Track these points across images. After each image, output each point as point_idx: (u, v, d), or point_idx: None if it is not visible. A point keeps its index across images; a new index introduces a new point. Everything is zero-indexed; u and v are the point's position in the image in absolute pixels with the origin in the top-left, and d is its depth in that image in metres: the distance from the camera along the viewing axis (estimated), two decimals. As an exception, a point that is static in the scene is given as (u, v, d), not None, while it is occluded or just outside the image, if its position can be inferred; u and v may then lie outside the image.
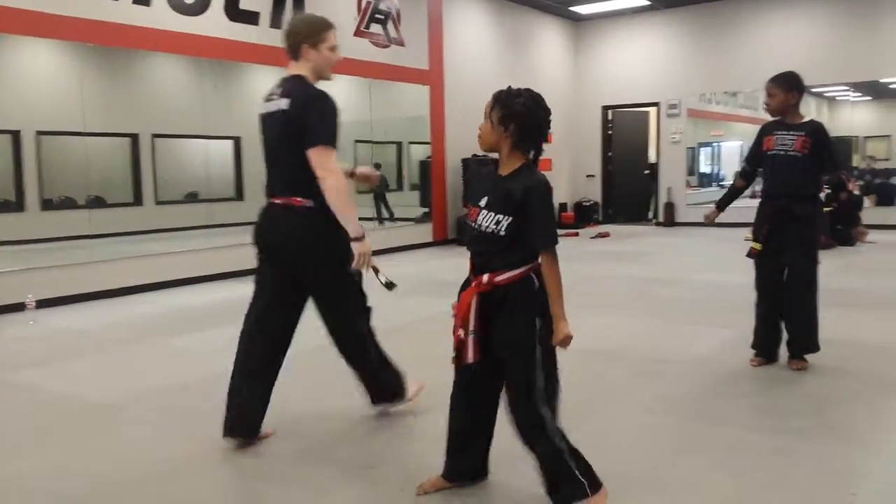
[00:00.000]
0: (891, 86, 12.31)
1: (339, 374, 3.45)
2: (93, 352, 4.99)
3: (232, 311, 4.64)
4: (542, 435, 2.36)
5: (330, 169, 2.94)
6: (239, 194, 9.99)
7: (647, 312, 5.83)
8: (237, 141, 9.74)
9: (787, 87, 4.14)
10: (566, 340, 2.30)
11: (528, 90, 2.41)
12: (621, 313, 5.82)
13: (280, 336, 3.14)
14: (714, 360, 4.36)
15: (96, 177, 8.12)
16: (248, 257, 3.24)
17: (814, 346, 4.12)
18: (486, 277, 2.35)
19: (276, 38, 8.18)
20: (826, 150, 4.10)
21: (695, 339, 4.84)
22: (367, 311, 3.31)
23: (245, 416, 3.09)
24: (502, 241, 2.32)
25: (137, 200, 9.27)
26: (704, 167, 16.51)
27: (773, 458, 2.87)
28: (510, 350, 2.36)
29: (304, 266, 3.09)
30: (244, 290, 4.71)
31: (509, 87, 2.41)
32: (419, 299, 6.59)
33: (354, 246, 2.97)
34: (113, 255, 7.34)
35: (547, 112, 2.41)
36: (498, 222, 2.32)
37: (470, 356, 2.37)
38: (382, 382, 3.40)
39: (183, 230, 8.97)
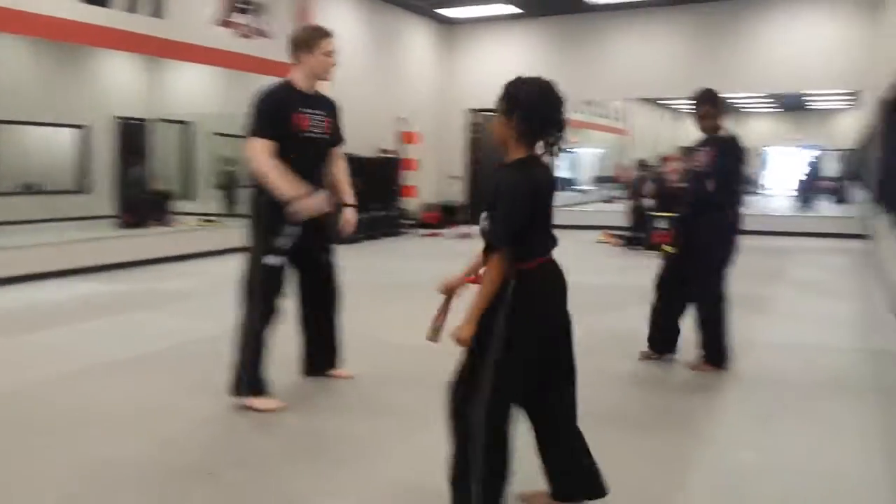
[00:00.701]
0: (729, 100, 13.32)
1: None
2: None
3: (79, 307, 4.36)
4: (462, 457, 2.24)
5: (251, 156, 3.47)
6: (84, 186, 9.37)
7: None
8: (84, 129, 9.15)
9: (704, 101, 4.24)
10: (462, 340, 2.22)
11: (538, 78, 2.28)
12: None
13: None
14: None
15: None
16: (91, 253, 3.06)
17: (715, 356, 4.21)
18: (482, 271, 2.28)
19: (131, 23, 7.88)
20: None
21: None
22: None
23: None
24: (486, 237, 2.24)
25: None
26: (564, 172, 17.19)
27: (612, 450, 3.02)
28: (471, 353, 2.25)
29: None
30: (92, 286, 4.41)
31: (519, 76, 2.28)
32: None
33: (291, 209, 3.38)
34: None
35: (556, 103, 2.24)
36: (484, 218, 2.23)
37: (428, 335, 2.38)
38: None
39: (18, 224, 8.29)
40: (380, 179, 11.64)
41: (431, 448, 3.02)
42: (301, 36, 3.68)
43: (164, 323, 5.18)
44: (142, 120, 10.27)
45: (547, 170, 2.27)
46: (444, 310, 2.42)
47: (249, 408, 3.46)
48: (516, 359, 2.20)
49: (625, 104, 17.00)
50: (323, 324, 3.91)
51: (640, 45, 12.92)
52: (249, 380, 3.49)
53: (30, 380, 3.99)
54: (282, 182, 3.39)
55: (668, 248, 4.44)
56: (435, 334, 2.43)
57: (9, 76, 8.50)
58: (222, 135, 10.82)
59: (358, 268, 8.44)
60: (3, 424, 3.32)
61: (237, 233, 10.10)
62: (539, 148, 2.23)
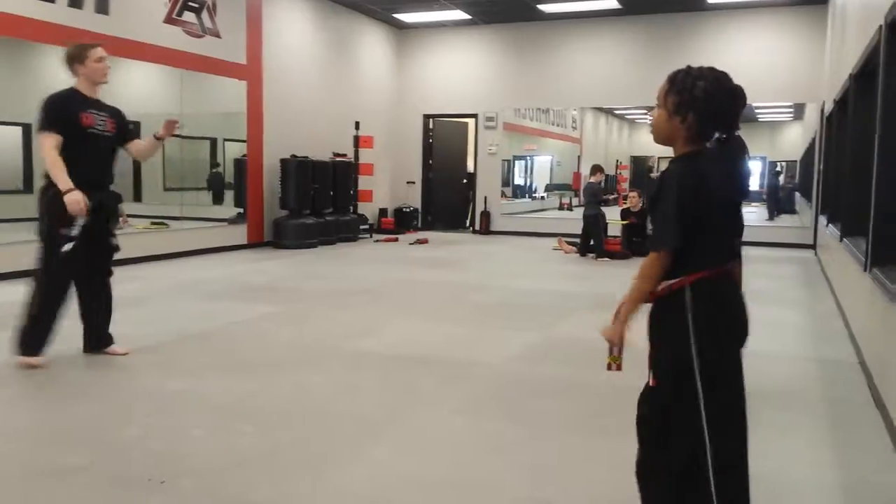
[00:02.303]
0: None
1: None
2: None
3: (7, 314, 4.19)
4: None
5: (41, 150, 4.02)
6: (28, 186, 9.05)
7: (460, 317, 5.96)
8: (26, 128, 8.83)
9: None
10: (608, 337, 2.01)
11: (710, 69, 1.97)
12: (435, 318, 5.90)
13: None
14: (520, 362, 4.52)
15: None
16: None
17: None
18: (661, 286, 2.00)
19: (74, 18, 7.65)
20: None
21: (504, 343, 4.99)
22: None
23: None
24: (649, 240, 2.01)
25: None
26: (518, 179, 17.30)
27: (575, 455, 3.01)
28: (654, 378, 2.01)
29: None
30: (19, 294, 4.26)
31: (688, 66, 1.99)
32: (226, 304, 6.32)
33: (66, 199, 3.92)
34: None
35: (733, 94, 1.96)
36: (649, 220, 2.02)
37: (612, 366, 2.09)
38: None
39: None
40: (334, 184, 11.52)
41: (387, 460, 2.98)
42: (72, 52, 4.23)
43: (115, 329, 5.01)
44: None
45: (721, 167, 1.98)
46: (622, 335, 2.11)
47: (25, 365, 4.06)
48: (720, 391, 1.94)
49: (579, 112, 17.21)
50: (97, 307, 4.38)
51: (592, 54, 13.06)
52: (30, 342, 4.08)
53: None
54: (60, 175, 3.95)
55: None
56: (615, 361, 2.13)
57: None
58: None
59: (312, 273, 8.35)
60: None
61: (189, 235, 9.91)
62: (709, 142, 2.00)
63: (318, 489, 2.67)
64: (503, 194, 14.76)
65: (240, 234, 10.52)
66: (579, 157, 18.32)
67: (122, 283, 7.06)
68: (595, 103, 14.49)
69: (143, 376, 4.11)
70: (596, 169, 10.38)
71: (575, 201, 17.26)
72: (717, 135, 1.98)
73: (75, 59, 4.21)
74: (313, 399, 3.77)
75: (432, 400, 3.80)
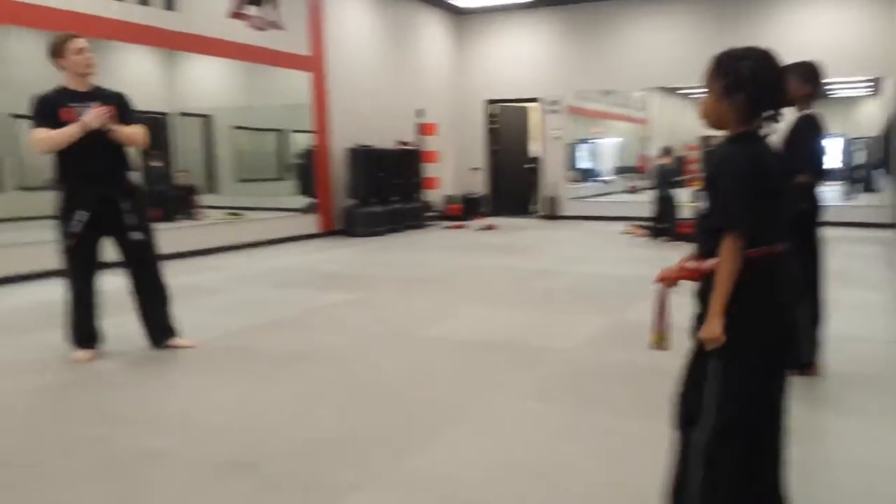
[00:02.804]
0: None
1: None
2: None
3: (106, 305, 4.40)
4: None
5: (35, 146, 4.08)
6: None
7: (529, 303, 5.96)
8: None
9: (803, 78, 3.73)
10: (709, 338, 1.92)
11: (753, 48, 1.96)
12: (505, 304, 5.92)
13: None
14: (590, 348, 4.50)
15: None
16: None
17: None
18: (691, 263, 2.03)
19: (144, 16, 7.91)
20: None
21: (574, 328, 4.97)
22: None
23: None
24: (705, 220, 1.99)
25: (-4, 186, 8.58)
26: (584, 163, 17.08)
27: (648, 443, 2.99)
28: (693, 360, 2.03)
29: None
30: (107, 284, 4.46)
31: (732, 47, 1.98)
32: (301, 292, 6.47)
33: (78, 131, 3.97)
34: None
35: (781, 72, 1.95)
36: (702, 199, 2.01)
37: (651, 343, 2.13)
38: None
39: (39, 219, 8.32)
40: (400, 172, 11.62)
41: (464, 442, 3.02)
42: (51, 46, 4.12)
43: (194, 318, 5.20)
44: (163, 114, 10.31)
45: (770, 148, 2.00)
46: (661, 310, 2.14)
47: (74, 359, 4.16)
48: (750, 380, 1.94)
49: (645, 93, 16.86)
50: (146, 300, 4.36)
51: (657, 33, 12.77)
52: (74, 339, 4.20)
53: (63, 378, 4.03)
54: (58, 135, 3.96)
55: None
56: (661, 341, 2.12)
57: (27, 71, 8.55)
58: (241, 128, 10.85)
59: (381, 261, 8.47)
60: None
61: (263, 225, 10.15)
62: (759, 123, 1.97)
63: (397, 471, 2.74)
64: (569, 178, 14.62)
65: (311, 223, 10.73)
66: (647, 138, 17.97)
67: (200, 272, 7.34)
68: (661, 83, 14.14)
69: (225, 363, 4.25)
70: (666, 151, 10.17)
71: (643, 184, 16.94)
72: (767, 112, 1.96)
73: (55, 54, 4.10)
74: (389, 384, 3.84)
75: (505, 385, 3.82)
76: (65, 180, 4.14)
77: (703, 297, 1.97)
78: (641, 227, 10.56)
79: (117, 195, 4.18)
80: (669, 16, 12.69)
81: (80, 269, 4.18)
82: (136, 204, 4.27)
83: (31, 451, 2.97)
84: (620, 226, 11.26)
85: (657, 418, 3.31)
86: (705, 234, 1.97)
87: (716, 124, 2.01)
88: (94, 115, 4.00)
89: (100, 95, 4.17)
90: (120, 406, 3.55)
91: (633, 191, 16.82)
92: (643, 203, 11.04)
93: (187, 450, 2.96)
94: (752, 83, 1.90)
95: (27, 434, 3.17)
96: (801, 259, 3.56)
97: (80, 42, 4.10)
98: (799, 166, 3.63)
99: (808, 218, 3.69)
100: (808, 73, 3.73)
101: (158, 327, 4.39)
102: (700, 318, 1.98)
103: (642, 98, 17.40)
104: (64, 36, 4.12)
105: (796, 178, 3.63)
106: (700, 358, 2.02)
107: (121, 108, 4.21)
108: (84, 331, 4.23)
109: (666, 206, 9.95)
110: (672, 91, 17.30)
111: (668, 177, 10.14)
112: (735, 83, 1.91)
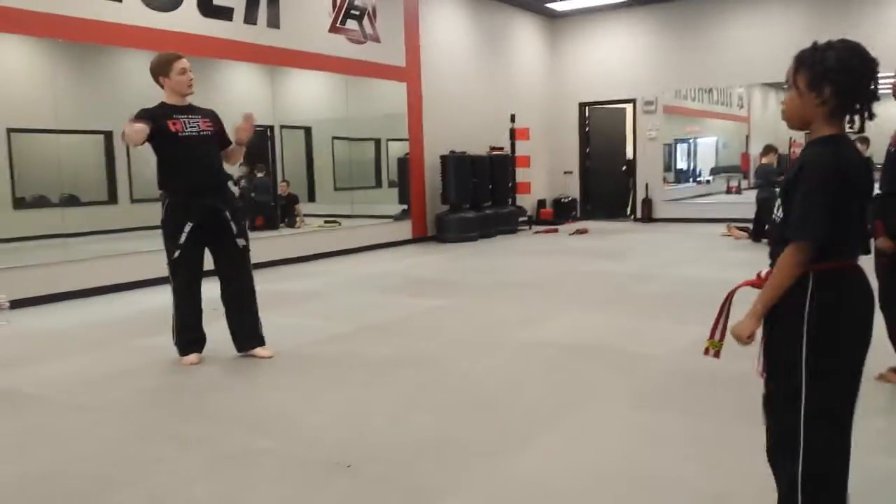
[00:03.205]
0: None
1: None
2: (68, 353, 4.91)
3: (206, 310, 4.62)
4: None
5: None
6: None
7: (625, 308, 5.87)
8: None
9: None
10: (739, 335, 1.88)
11: (839, 40, 1.82)
12: (600, 309, 5.85)
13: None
14: (688, 354, 4.39)
15: (70, 175, 8.00)
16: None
17: None
18: (764, 272, 1.93)
19: (250, 34, 8.27)
20: None
21: (672, 335, 4.87)
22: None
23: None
24: (779, 229, 1.88)
25: (112, 199, 9.16)
26: (681, 163, 16.65)
27: (751, 452, 2.90)
28: (771, 376, 1.96)
29: None
30: (215, 290, 4.67)
31: (814, 42, 1.85)
32: (398, 298, 6.59)
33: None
34: (87, 255, 7.22)
35: (871, 63, 1.80)
36: (778, 206, 1.90)
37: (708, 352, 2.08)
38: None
39: (160, 229, 8.86)
40: (492, 177, 11.66)
41: (559, 449, 3.02)
42: (156, 64, 4.27)
43: (294, 322, 5.40)
44: (267, 127, 10.73)
45: (860, 154, 1.85)
46: (721, 319, 2.08)
47: (179, 363, 4.36)
48: (828, 391, 1.85)
49: (745, 90, 16.28)
50: (238, 307, 4.45)
51: (758, 27, 12.31)
52: (180, 341, 4.39)
53: (171, 381, 4.26)
54: (141, 129, 4.02)
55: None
56: (714, 347, 2.11)
57: (143, 90, 9.09)
58: (339, 138, 11.16)
59: (474, 266, 8.52)
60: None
61: (359, 232, 10.38)
62: (847, 123, 1.85)
63: (492, 478, 2.76)
64: (665, 180, 14.28)
65: (405, 229, 10.92)
66: (747, 136, 17.34)
67: (301, 279, 7.60)
68: (763, 79, 13.62)
69: (324, 366, 4.39)
70: (768, 149, 9.80)
71: (744, 184, 16.36)
72: (856, 107, 1.82)
73: (159, 72, 4.26)
74: (484, 388, 3.88)
75: (601, 391, 3.79)
76: (173, 192, 4.28)
77: (773, 309, 1.88)
78: (740, 228, 10.20)
79: (222, 205, 4.32)
80: (770, 8, 12.23)
81: (187, 277, 4.34)
82: (236, 213, 4.43)
83: (145, 449, 3.16)
84: (719, 228, 10.91)
85: (761, 427, 3.21)
86: (780, 245, 1.85)
87: (799, 124, 1.89)
88: (248, 126, 4.32)
89: (197, 109, 4.37)
90: (225, 407, 3.72)
91: (732, 191, 16.27)
92: (742, 204, 10.67)
93: (289, 450, 3.08)
94: (838, 73, 1.77)
95: (142, 433, 3.38)
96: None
97: (184, 62, 4.28)
98: None
99: None
100: None
101: (247, 334, 4.48)
102: (769, 335, 1.91)
103: (743, 94, 16.81)
104: (170, 56, 4.30)
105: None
106: (777, 383, 1.94)
107: (218, 123, 4.43)
108: (190, 336, 4.41)
109: (768, 206, 9.57)
110: (775, 87, 16.64)
111: (770, 176, 9.76)
112: (820, 74, 1.78)
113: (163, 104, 4.28)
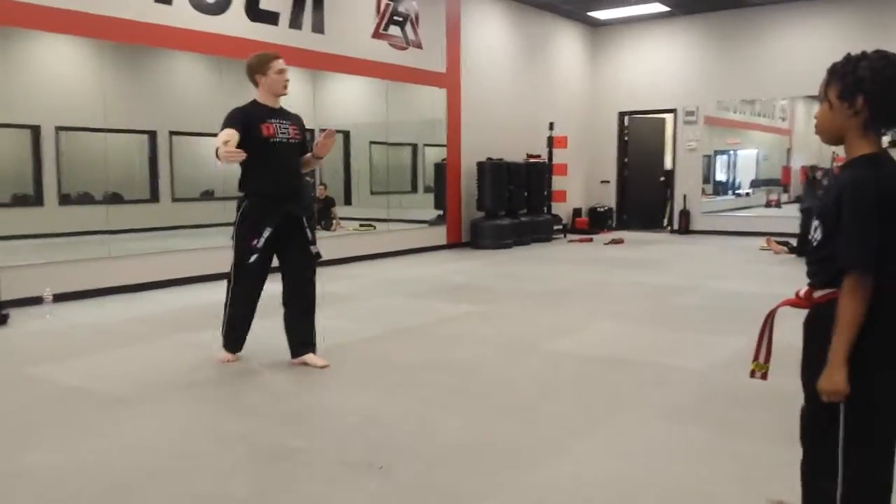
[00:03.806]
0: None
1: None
2: (109, 347, 5.03)
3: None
4: None
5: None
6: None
7: (660, 320, 5.82)
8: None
9: None
10: (829, 391, 1.77)
11: (876, 51, 1.76)
12: (634, 321, 5.81)
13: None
14: (725, 369, 4.34)
15: (114, 173, 8.19)
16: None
17: None
18: (803, 291, 1.90)
19: (295, 39, 8.39)
20: None
21: (708, 348, 4.82)
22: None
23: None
24: (817, 250, 1.84)
25: (154, 197, 9.35)
26: (720, 175, 16.44)
27: (788, 471, 2.86)
28: (809, 398, 1.90)
29: None
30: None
31: (848, 53, 1.80)
32: (430, 302, 6.62)
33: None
34: (130, 251, 7.39)
35: None
36: (815, 227, 1.85)
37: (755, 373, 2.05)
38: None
39: (199, 227, 9.04)
40: (528, 185, 11.65)
41: (591, 459, 3.01)
42: (254, 61, 4.25)
43: (331, 323, 5.45)
44: (309, 130, 10.87)
45: None
46: (763, 340, 2.05)
47: (218, 360, 4.45)
48: (878, 421, 1.79)
49: (788, 102, 16.04)
50: (298, 313, 4.42)
51: (801, 39, 12.14)
52: (228, 339, 4.46)
53: (212, 375, 4.34)
54: (230, 142, 3.88)
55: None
56: (759, 369, 2.07)
57: (188, 92, 9.28)
58: (377, 143, 11.25)
59: (508, 274, 8.52)
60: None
61: (394, 237, 10.44)
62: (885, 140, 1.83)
63: (522, 484, 2.76)
64: (703, 191, 14.12)
65: (439, 235, 10.96)
66: (789, 149, 17.06)
67: (336, 281, 7.66)
68: (806, 92, 13.37)
69: (359, 368, 4.43)
70: (814, 164, 9.69)
71: (784, 197, 16.10)
72: (891, 119, 1.77)
73: (256, 70, 4.22)
74: (516, 396, 3.88)
75: (634, 403, 3.76)
76: (254, 196, 4.23)
77: (811, 329, 1.87)
78: (780, 243, 10.05)
79: (300, 211, 4.31)
80: (815, 20, 12.05)
81: (251, 285, 4.33)
82: (311, 220, 4.48)
83: (184, 443, 3.23)
84: (758, 242, 10.76)
85: (798, 447, 3.16)
86: (818, 265, 1.83)
87: (831, 137, 1.84)
88: (329, 143, 4.30)
89: (287, 114, 4.33)
90: (261, 405, 3.78)
91: (772, 205, 16.02)
92: (782, 218, 10.51)
93: (322, 449, 3.11)
94: (872, 83, 1.71)
95: (181, 427, 3.44)
96: None
97: (282, 63, 4.25)
98: None
99: None
100: None
101: (302, 340, 4.41)
102: (807, 355, 1.86)
103: (786, 107, 16.55)
104: (269, 55, 4.28)
105: None
106: (820, 405, 1.85)
107: (300, 126, 4.39)
108: (236, 334, 4.45)
109: (809, 218, 9.41)
110: (819, 99, 16.33)
111: (815, 189, 9.60)
112: (852, 84, 1.73)
113: (256, 103, 4.25)
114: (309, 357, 4.40)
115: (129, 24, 7.02)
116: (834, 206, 1.75)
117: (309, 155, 4.42)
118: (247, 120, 4.08)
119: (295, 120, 4.35)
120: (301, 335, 4.41)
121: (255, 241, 4.15)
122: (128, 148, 9.14)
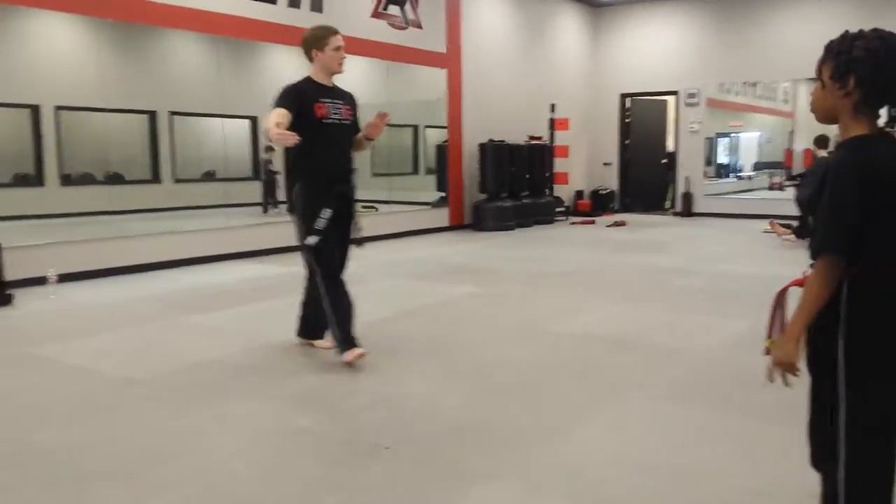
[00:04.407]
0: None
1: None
2: (112, 327, 5.04)
3: (247, 289, 4.69)
4: None
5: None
6: (256, 174, 10.03)
7: (662, 302, 5.82)
8: (254, 121, 9.76)
9: None
10: (779, 361, 1.82)
11: (872, 30, 1.73)
12: (637, 302, 5.81)
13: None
14: (728, 350, 4.35)
15: (115, 153, 8.17)
16: (264, 237, 3.31)
17: None
18: (808, 271, 1.82)
19: (293, 17, 8.32)
20: None
21: (711, 330, 4.83)
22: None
23: None
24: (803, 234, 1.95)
25: (155, 178, 9.33)
26: (722, 157, 16.40)
27: (791, 450, 2.87)
28: (815, 375, 1.89)
29: None
30: (260, 270, 4.73)
31: (845, 31, 1.77)
32: (433, 284, 6.62)
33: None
34: (133, 232, 7.38)
35: None
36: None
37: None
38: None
39: (200, 209, 9.01)
40: (530, 167, 11.62)
41: (594, 439, 3.02)
42: (311, 35, 4.04)
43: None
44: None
45: (893, 151, 1.73)
46: (774, 317, 2.01)
47: (345, 363, 3.93)
48: (872, 410, 1.78)
49: (791, 85, 15.95)
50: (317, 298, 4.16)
51: (805, 21, 12.03)
52: (340, 338, 3.99)
53: (217, 356, 4.34)
54: (271, 119, 3.67)
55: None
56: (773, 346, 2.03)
57: (188, 71, 9.22)
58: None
59: (511, 256, 8.52)
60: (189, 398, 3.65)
61: (396, 218, 10.41)
62: (881, 119, 1.75)
63: (526, 464, 2.77)
64: (705, 174, 14.09)
65: (441, 217, 10.94)
66: (791, 132, 17.01)
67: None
68: (809, 74, 13.11)
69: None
70: (822, 141, 9.59)
71: (784, 179, 16.06)
72: (888, 108, 1.76)
73: (313, 45, 4.00)
74: (519, 376, 3.89)
75: (637, 384, 3.77)
76: (309, 177, 4.02)
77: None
78: (784, 225, 10.03)
79: (351, 193, 4.20)
80: (818, 2, 11.96)
81: (332, 268, 4.09)
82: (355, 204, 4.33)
83: (189, 423, 3.24)
84: (760, 224, 10.75)
85: (802, 425, 3.18)
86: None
87: (825, 117, 1.81)
88: (379, 124, 4.08)
89: (341, 93, 4.14)
90: (265, 385, 3.79)
91: (774, 187, 15.99)
92: (785, 200, 10.48)
93: (327, 430, 3.13)
94: (865, 64, 1.67)
95: (185, 407, 3.45)
96: None
97: (340, 39, 4.03)
98: None
99: None
100: None
101: (317, 324, 4.29)
102: (809, 337, 1.84)
103: (788, 89, 16.47)
104: (327, 29, 4.07)
105: None
106: (821, 382, 1.86)
107: (353, 106, 4.21)
108: (349, 328, 4.05)
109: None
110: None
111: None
112: (844, 64, 1.70)
113: (309, 80, 4.03)
114: (319, 342, 4.35)
115: (128, 1, 6.95)
116: (820, 190, 1.71)
117: (360, 135, 4.22)
118: (300, 98, 3.89)
119: (348, 99, 4.18)
120: (320, 318, 4.23)
121: (317, 224, 3.95)
122: (128, 128, 9.10)
